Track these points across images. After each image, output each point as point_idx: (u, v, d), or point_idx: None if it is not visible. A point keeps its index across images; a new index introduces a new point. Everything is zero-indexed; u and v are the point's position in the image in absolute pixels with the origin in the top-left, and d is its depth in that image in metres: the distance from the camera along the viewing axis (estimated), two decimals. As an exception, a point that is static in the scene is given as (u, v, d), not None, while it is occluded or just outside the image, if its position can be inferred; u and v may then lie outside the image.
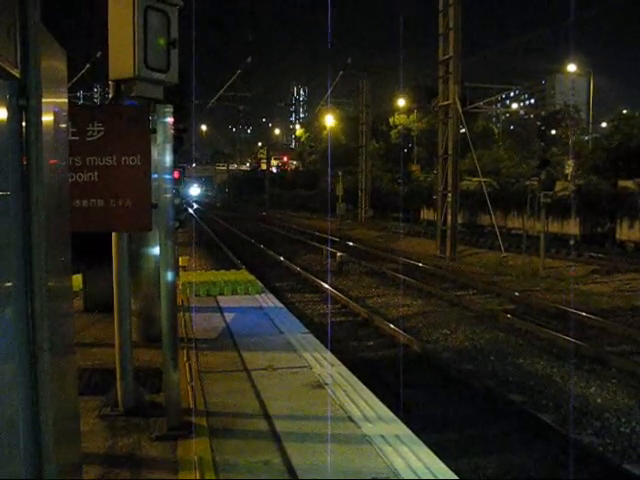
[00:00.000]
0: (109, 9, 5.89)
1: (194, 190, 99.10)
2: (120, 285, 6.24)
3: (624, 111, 53.24)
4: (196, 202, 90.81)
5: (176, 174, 14.21)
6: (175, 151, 14.00)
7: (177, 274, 13.39)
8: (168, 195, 5.77)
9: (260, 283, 13.54)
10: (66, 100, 3.16)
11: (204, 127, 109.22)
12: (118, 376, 6.14)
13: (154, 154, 5.78)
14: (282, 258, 26.29)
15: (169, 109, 5.82)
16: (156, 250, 7.08)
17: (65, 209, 3.19)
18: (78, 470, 3.28)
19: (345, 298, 17.27)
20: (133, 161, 5.59)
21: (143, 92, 5.97)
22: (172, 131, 5.90)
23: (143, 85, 5.96)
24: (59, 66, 2.95)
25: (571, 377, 10.57)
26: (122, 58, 5.80)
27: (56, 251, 2.82)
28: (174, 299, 5.81)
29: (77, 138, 5.45)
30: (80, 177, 5.48)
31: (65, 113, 3.13)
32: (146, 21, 5.84)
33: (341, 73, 53.05)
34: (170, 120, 5.80)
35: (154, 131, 5.75)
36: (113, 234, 6.25)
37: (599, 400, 9.52)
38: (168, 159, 5.79)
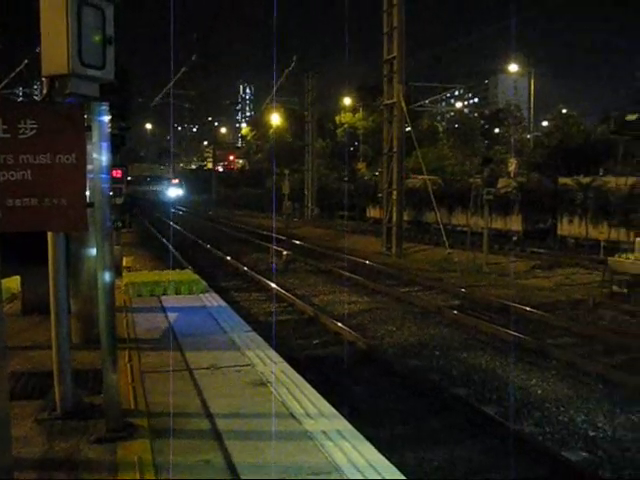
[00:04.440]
0: (41, 3, 5.76)
1: (174, 191, 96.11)
2: (57, 286, 6.11)
3: (563, 110, 54.40)
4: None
5: (117, 173, 14.03)
6: (117, 149, 13.75)
7: (119, 274, 13.21)
8: (105, 195, 5.68)
9: (204, 282, 13.43)
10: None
11: (149, 125, 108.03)
12: (56, 379, 6.01)
13: (92, 153, 5.67)
14: (228, 257, 26.17)
15: (105, 107, 5.71)
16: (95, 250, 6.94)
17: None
18: (9, 475, 3.21)
19: (291, 296, 17.27)
20: (68, 159, 5.47)
21: (78, 89, 5.86)
22: (110, 129, 5.80)
23: (78, 82, 5.86)
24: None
25: (513, 370, 10.76)
26: (56, 54, 5.69)
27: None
28: (112, 300, 5.72)
29: (8, 135, 5.31)
30: (12, 176, 5.34)
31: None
32: (80, 17, 5.73)
33: (287, 71, 53.11)
34: (107, 118, 5.70)
35: (90, 129, 5.64)
36: (49, 234, 6.12)
37: (540, 391, 9.72)
38: (105, 158, 5.69)
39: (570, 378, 10.35)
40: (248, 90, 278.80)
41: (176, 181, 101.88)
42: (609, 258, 16.40)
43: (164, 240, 34.06)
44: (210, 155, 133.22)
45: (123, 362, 7.51)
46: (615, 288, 16.37)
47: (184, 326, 9.65)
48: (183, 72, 60.01)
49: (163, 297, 12.26)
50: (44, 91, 6.03)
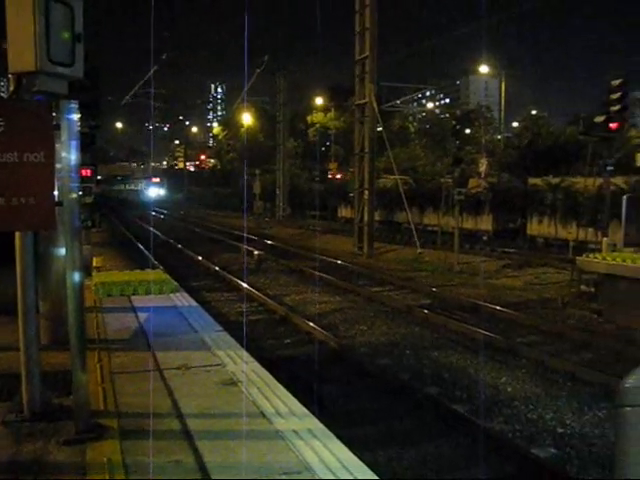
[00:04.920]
0: (6, -2, 5.67)
1: (154, 191, 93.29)
2: (25, 286, 6.05)
3: (533, 112, 54.89)
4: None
5: (87, 172, 13.90)
6: (87, 148, 13.59)
7: (89, 274, 13.10)
8: (74, 194, 5.63)
9: (175, 282, 13.37)
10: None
11: (119, 124, 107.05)
12: (24, 380, 5.95)
13: (61, 152, 5.62)
14: (200, 257, 26.07)
15: (74, 105, 5.66)
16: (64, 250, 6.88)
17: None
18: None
19: (262, 296, 17.25)
20: (36, 158, 5.42)
21: (46, 87, 5.77)
22: (79, 128, 5.75)
23: (46, 79, 5.76)
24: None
25: (484, 368, 10.86)
26: (23, 50, 5.60)
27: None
28: (81, 300, 5.68)
29: (-25, 133, 5.25)
30: (-21, 174, 5.28)
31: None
32: (48, 13, 5.65)
33: (258, 71, 52.93)
34: (76, 116, 5.65)
35: (59, 127, 5.59)
36: (17, 233, 6.05)
37: (510, 389, 9.82)
38: (74, 157, 5.64)
39: (539, 376, 10.47)
40: (220, 89, 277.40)
41: (157, 180, 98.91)
42: (577, 258, 16.58)
43: (135, 240, 33.81)
44: (181, 154, 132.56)
45: (93, 363, 7.46)
46: (583, 287, 16.57)
47: (154, 326, 9.60)
48: (154, 71, 59.64)
49: (133, 297, 12.19)
50: (11, 88, 5.95)
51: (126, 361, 7.77)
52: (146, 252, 26.74)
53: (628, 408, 3.00)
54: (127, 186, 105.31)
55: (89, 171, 14.31)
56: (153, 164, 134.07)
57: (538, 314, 15.51)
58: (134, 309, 11.04)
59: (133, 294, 12.39)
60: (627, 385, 3.04)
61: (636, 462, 2.94)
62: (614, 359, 11.35)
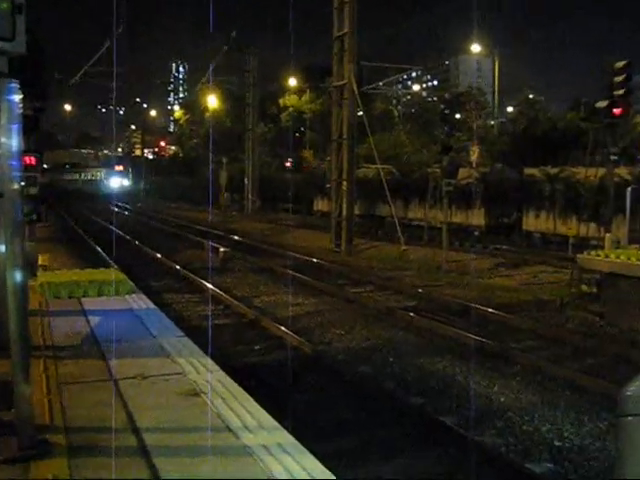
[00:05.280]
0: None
1: (116, 181, 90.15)
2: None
3: (530, 95, 55.31)
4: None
5: (31, 160, 13.78)
6: (30, 133, 13.47)
7: (33, 274, 12.98)
8: (16, 184, 5.57)
9: (131, 282, 13.30)
10: None
11: (68, 107, 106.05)
12: (-41, 392, 5.90)
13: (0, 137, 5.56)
14: (159, 255, 25.97)
15: (15, 84, 5.60)
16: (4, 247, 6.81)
17: None
18: None
19: (229, 298, 17.24)
20: (-29, 143, 5.37)
21: (-18, 63, 5.72)
22: (21, 110, 5.70)
23: (-18, 54, 5.71)
24: None
25: (474, 376, 10.93)
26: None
27: None
28: (24, 302, 5.63)
29: None
30: None
31: None
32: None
33: (225, 48, 52.78)
34: (17, 97, 5.59)
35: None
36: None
37: (502, 399, 9.90)
38: (15, 142, 5.58)
39: (535, 384, 10.56)
40: (182, 69, 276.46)
41: (120, 168, 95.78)
42: (578, 255, 16.74)
43: (86, 236, 33.61)
44: (138, 141, 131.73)
45: (38, 372, 7.39)
46: (584, 287, 16.70)
47: (108, 331, 9.54)
48: (107, 47, 59.15)
49: (84, 299, 12.10)
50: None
51: (76, 370, 7.71)
52: (99, 249, 26.60)
53: (629, 417, 3.04)
54: (83, 175, 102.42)
55: (33, 159, 14.15)
56: (106, 151, 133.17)
57: (534, 317, 15.64)
58: (85, 312, 10.96)
59: (84, 296, 12.30)
60: (628, 393, 3.07)
61: (637, 474, 2.97)
62: (617, 365, 11.48)
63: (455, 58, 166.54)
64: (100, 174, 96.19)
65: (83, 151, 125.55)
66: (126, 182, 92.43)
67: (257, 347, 13.02)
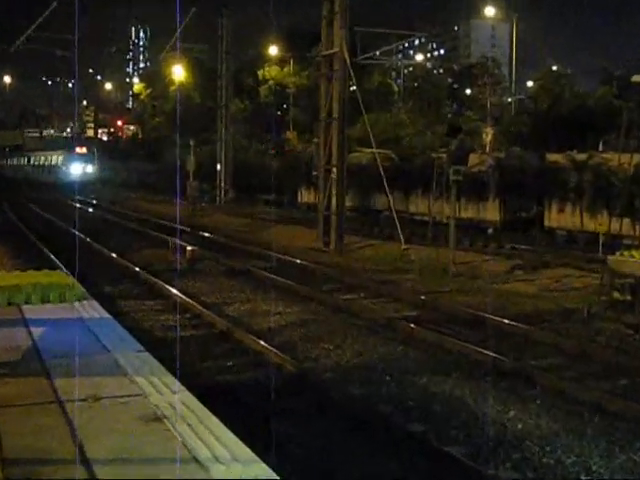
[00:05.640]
0: None
1: (77, 167, 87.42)
2: None
3: (554, 67, 55.50)
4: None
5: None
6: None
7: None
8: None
9: (81, 287, 13.28)
10: None
11: (7, 79, 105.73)
12: None
13: None
14: (114, 254, 25.92)
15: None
16: None
17: None
18: None
19: (197, 305, 17.23)
20: None
21: None
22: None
23: None
24: None
25: (487, 399, 10.94)
26: None
27: None
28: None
29: None
30: None
31: None
32: None
33: (194, 10, 52.60)
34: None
35: None
36: None
37: (520, 426, 9.91)
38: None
39: (558, 409, 10.57)
40: (142, 34, 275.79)
41: (82, 151, 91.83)
42: (609, 256, 16.81)
43: (30, 232, 33.50)
44: (91, 119, 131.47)
45: (-32, 392, 7.39)
46: (616, 294, 16.74)
47: (53, 344, 9.53)
48: (54, 8, 58.94)
49: (25, 306, 12.08)
50: None
51: (14, 391, 7.70)
52: (44, 248, 26.52)
53: None
54: (33, 160, 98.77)
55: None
56: (53, 131, 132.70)
57: (557, 329, 15.66)
58: (26, 322, 10.95)
59: (26, 303, 12.28)
60: None
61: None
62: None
63: (466, 23, 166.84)
64: (56, 158, 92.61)
65: (30, 131, 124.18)
66: (90, 169, 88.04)
67: (230, 364, 13.00)
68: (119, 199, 63.31)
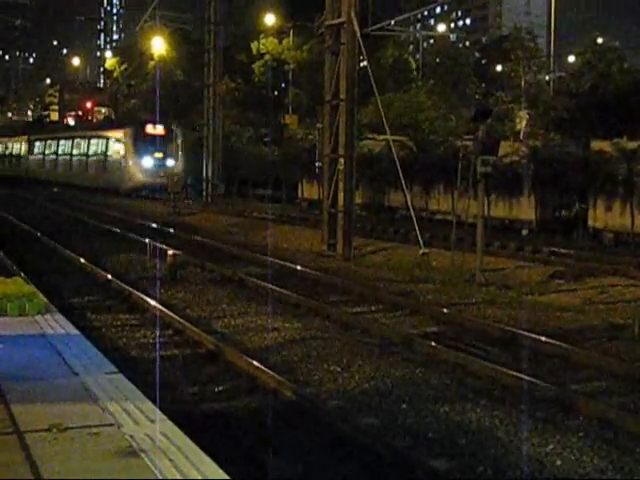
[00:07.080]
0: None
1: (148, 161, 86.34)
2: None
3: (599, 40, 55.45)
4: None
5: None
6: None
7: None
8: None
9: (44, 298, 13.31)
10: None
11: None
12: None
13: None
14: (83, 260, 25.91)
15: None
16: None
17: None
18: None
19: (181, 320, 17.19)
20: None
21: None
22: None
23: None
24: None
25: (520, 431, 10.93)
26: None
27: None
28: None
29: None
30: None
31: None
32: None
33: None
34: None
35: None
36: None
37: (559, 462, 9.88)
38: None
39: (603, 442, 10.55)
40: (115, 0, 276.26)
41: (159, 130, 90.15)
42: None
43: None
44: (56, 100, 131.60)
45: None
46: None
47: (10, 365, 9.54)
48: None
49: (-22, 320, 12.10)
50: None
51: (-35, 419, 7.71)
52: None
53: None
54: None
55: None
56: (10, 114, 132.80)
57: (603, 348, 15.67)
58: (-22, 339, 10.96)
59: (-22, 315, 12.31)
60: None
61: None
62: None
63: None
64: (20, 147, 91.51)
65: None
66: (171, 162, 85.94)
67: (219, 389, 13.00)
68: (89, 194, 63.23)
